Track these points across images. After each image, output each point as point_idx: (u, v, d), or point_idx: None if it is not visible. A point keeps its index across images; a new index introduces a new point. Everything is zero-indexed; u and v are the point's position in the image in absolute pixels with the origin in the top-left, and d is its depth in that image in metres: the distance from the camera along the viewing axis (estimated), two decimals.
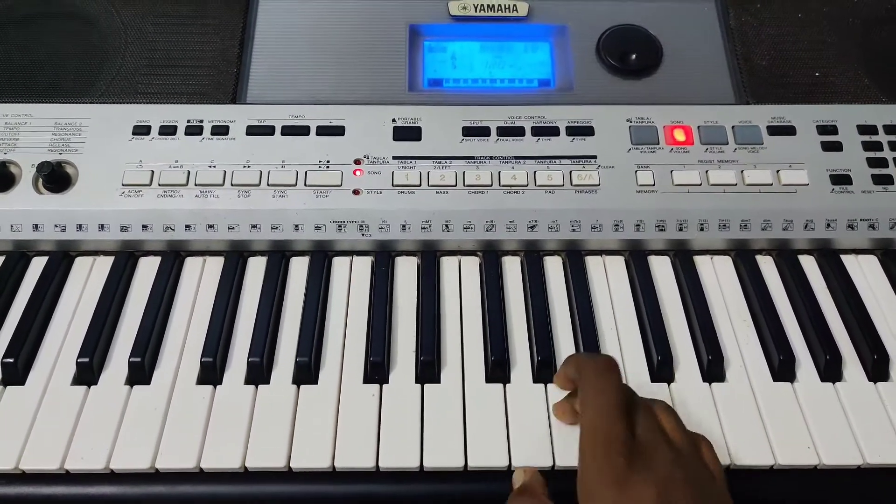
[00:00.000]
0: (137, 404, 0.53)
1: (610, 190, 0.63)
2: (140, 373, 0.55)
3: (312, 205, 0.62)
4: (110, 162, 0.63)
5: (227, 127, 0.65)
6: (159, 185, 0.62)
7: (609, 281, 0.62)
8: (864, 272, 0.63)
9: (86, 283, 0.61)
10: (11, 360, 0.55)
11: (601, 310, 0.60)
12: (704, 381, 0.56)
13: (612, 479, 0.42)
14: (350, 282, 0.62)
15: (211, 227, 0.62)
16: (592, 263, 0.63)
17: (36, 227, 0.62)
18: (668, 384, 0.55)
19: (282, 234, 0.62)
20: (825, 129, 0.66)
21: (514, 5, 0.72)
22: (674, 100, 0.68)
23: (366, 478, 0.51)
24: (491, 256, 0.63)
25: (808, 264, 0.63)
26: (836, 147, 0.65)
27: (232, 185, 0.62)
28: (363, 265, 0.63)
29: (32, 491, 0.50)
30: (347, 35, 0.70)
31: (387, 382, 0.55)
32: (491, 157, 0.64)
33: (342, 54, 0.70)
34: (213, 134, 0.65)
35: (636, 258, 0.63)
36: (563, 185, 0.63)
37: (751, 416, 0.53)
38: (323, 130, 0.65)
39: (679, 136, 0.65)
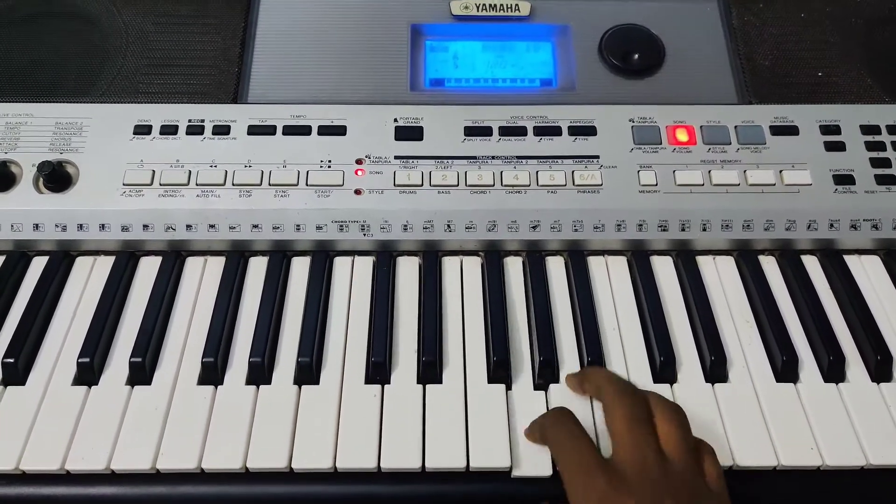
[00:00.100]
0: (138, 405, 0.53)
1: (612, 190, 0.63)
2: (141, 373, 0.55)
3: (314, 204, 0.62)
4: (111, 161, 0.63)
5: (229, 127, 0.65)
6: (160, 184, 0.62)
7: (611, 281, 0.62)
8: (868, 272, 0.63)
9: (86, 282, 0.61)
10: (12, 361, 0.55)
11: (603, 310, 0.60)
12: (707, 381, 0.56)
13: (595, 501, 0.43)
14: (351, 282, 0.61)
15: (212, 226, 0.62)
16: (595, 263, 0.63)
17: (36, 226, 0.62)
18: (671, 385, 0.55)
19: (283, 234, 0.62)
20: (828, 129, 0.66)
21: (517, 5, 0.72)
22: (676, 100, 0.68)
23: (367, 478, 0.51)
24: (493, 256, 0.63)
25: (811, 265, 0.63)
26: (840, 147, 0.65)
27: (233, 184, 0.62)
28: (365, 265, 0.63)
29: (33, 491, 0.50)
30: (349, 34, 0.70)
31: (388, 383, 0.55)
32: (493, 157, 0.64)
33: (344, 54, 0.69)
34: (214, 133, 0.65)
35: (638, 258, 0.63)
36: (565, 185, 0.63)
37: (753, 416, 0.53)
38: (324, 130, 0.65)
39: (682, 135, 0.65)
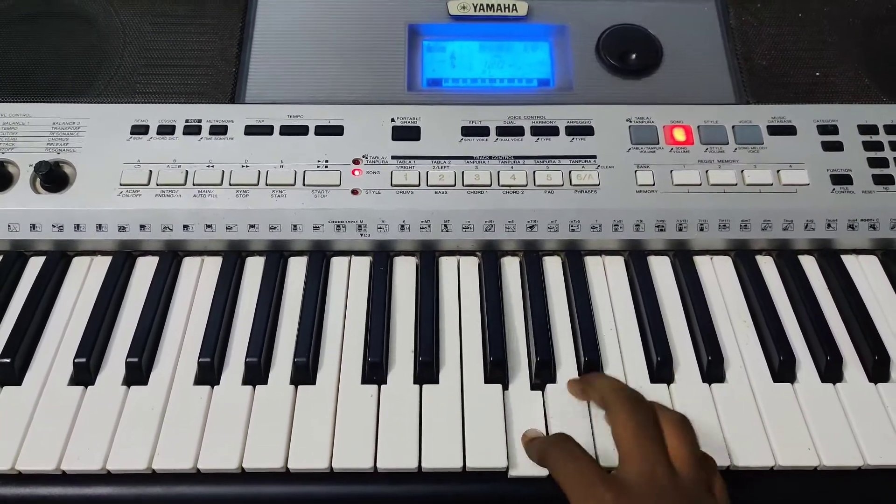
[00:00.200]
0: (134, 405, 0.53)
1: (609, 190, 0.63)
2: (137, 373, 0.55)
3: (311, 205, 0.62)
4: (108, 162, 0.63)
5: (226, 127, 0.65)
6: (157, 184, 0.62)
7: (608, 281, 0.62)
8: (865, 272, 0.63)
9: (83, 283, 0.61)
10: (8, 361, 0.55)
11: (600, 310, 0.60)
12: (704, 381, 0.55)
13: None
14: (348, 282, 0.61)
15: (209, 226, 0.62)
16: (592, 263, 0.63)
17: (33, 226, 0.62)
18: (668, 385, 0.55)
19: (280, 234, 0.62)
20: (826, 129, 0.66)
21: (514, 5, 0.72)
22: (674, 99, 0.68)
23: (364, 479, 0.51)
24: (490, 256, 0.63)
25: (809, 264, 0.63)
26: (837, 147, 0.65)
27: (230, 184, 0.62)
28: (362, 265, 0.63)
29: (29, 492, 0.50)
30: (346, 35, 0.70)
31: (385, 383, 0.55)
32: (490, 157, 0.64)
33: (341, 54, 0.69)
34: (211, 134, 0.64)
35: (636, 258, 0.63)
36: (562, 185, 0.63)
37: (751, 416, 0.53)
38: (322, 130, 0.65)
39: (679, 135, 0.65)
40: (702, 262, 0.63)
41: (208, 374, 0.55)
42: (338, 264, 0.63)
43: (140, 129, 0.64)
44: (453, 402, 0.53)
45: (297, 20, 0.71)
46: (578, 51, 0.70)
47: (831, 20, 0.72)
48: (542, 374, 0.55)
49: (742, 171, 0.63)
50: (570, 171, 0.63)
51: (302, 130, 0.65)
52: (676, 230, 0.62)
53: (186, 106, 0.66)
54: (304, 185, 0.62)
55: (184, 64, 0.69)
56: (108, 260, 0.62)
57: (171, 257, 0.62)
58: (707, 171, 0.63)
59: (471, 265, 0.63)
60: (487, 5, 0.72)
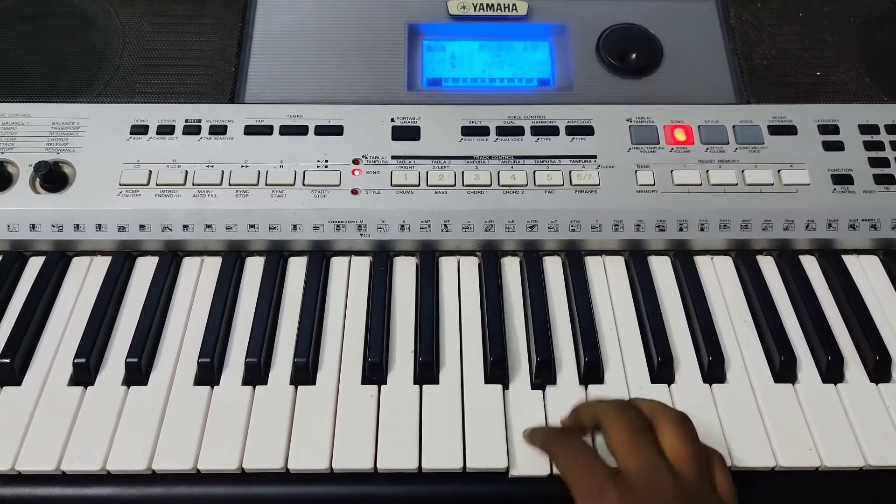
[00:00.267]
0: (134, 405, 0.53)
1: (610, 190, 0.63)
2: (137, 373, 0.55)
3: (311, 205, 0.62)
4: (108, 162, 0.63)
5: (226, 126, 0.65)
6: (157, 184, 0.62)
7: (609, 281, 0.62)
8: (866, 272, 0.63)
9: (83, 283, 0.61)
10: (7, 361, 0.55)
11: (601, 310, 0.59)
12: (705, 382, 0.55)
13: None
14: (348, 282, 0.61)
15: (209, 226, 0.62)
16: (592, 264, 0.63)
17: (33, 226, 0.62)
18: (669, 385, 0.55)
19: (280, 234, 0.62)
20: (826, 129, 0.66)
21: (514, 4, 0.72)
22: (674, 99, 0.68)
23: (364, 479, 0.51)
24: (490, 256, 0.62)
25: (810, 264, 0.63)
26: (838, 147, 0.65)
27: (230, 184, 0.62)
28: (361, 265, 0.62)
29: (28, 492, 0.50)
30: (346, 34, 0.70)
31: (385, 383, 0.55)
32: (490, 157, 0.64)
33: (341, 54, 0.69)
34: (211, 133, 0.64)
35: (636, 258, 0.62)
36: (562, 185, 0.63)
37: (752, 417, 0.53)
38: (321, 130, 0.65)
39: (679, 135, 0.65)
40: (702, 262, 0.63)
41: (208, 374, 0.55)
42: (338, 264, 0.63)
43: (140, 129, 0.64)
44: (453, 403, 0.53)
45: (296, 20, 0.71)
46: (578, 50, 0.70)
47: (832, 20, 0.72)
48: (543, 375, 0.55)
49: (743, 171, 0.63)
50: (570, 171, 0.63)
51: (302, 130, 0.65)
52: (677, 230, 0.62)
53: (186, 106, 0.66)
54: (303, 185, 0.62)
55: (183, 64, 0.69)
56: (107, 260, 0.62)
57: (171, 257, 0.62)
58: (707, 171, 0.63)
59: (471, 265, 0.63)
60: (487, 5, 0.71)
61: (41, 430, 0.52)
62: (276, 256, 0.62)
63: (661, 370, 0.55)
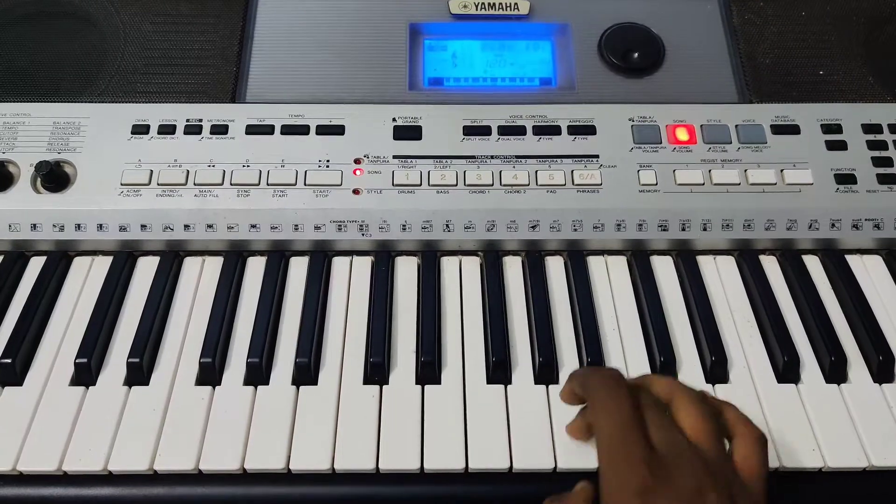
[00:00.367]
0: (136, 405, 0.53)
1: (612, 189, 0.63)
2: (138, 373, 0.55)
3: (312, 204, 0.62)
4: (109, 161, 0.63)
5: (227, 126, 0.65)
6: (158, 184, 0.62)
7: (611, 281, 0.62)
8: (869, 272, 0.62)
9: (84, 283, 0.61)
10: (9, 361, 0.54)
11: (603, 310, 0.59)
12: (707, 382, 0.55)
13: (635, 491, 0.40)
14: (350, 282, 0.61)
15: (210, 226, 0.61)
16: (594, 263, 0.63)
17: (34, 226, 0.61)
18: None
19: (281, 234, 0.62)
20: (829, 128, 0.65)
21: (516, 3, 0.71)
22: (676, 98, 0.67)
23: (366, 479, 0.51)
24: (492, 256, 0.62)
25: (813, 264, 0.63)
26: (841, 146, 0.65)
27: (231, 184, 0.62)
28: (363, 265, 0.62)
29: (30, 492, 0.50)
30: (347, 34, 0.70)
31: (387, 383, 0.54)
32: (492, 157, 0.64)
33: (342, 53, 0.69)
34: (212, 133, 0.64)
35: (638, 258, 0.62)
36: (564, 185, 0.63)
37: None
38: (323, 130, 0.65)
39: (682, 135, 0.65)
40: (705, 262, 0.63)
41: (210, 374, 0.55)
42: (339, 264, 0.62)
43: (141, 129, 0.64)
44: (455, 403, 0.53)
45: (297, 19, 0.71)
46: (580, 50, 0.70)
47: (835, 18, 0.72)
48: (545, 375, 0.55)
49: (745, 171, 0.63)
50: (572, 171, 0.63)
51: (303, 130, 0.65)
52: (679, 230, 0.62)
53: (187, 105, 0.66)
54: (305, 184, 0.62)
55: (184, 63, 0.69)
56: (109, 260, 0.62)
57: (173, 257, 0.62)
58: (710, 171, 0.63)
59: (473, 265, 0.63)
60: (489, 4, 0.71)
61: (43, 430, 0.52)
62: (278, 256, 0.62)
63: (664, 370, 0.55)
